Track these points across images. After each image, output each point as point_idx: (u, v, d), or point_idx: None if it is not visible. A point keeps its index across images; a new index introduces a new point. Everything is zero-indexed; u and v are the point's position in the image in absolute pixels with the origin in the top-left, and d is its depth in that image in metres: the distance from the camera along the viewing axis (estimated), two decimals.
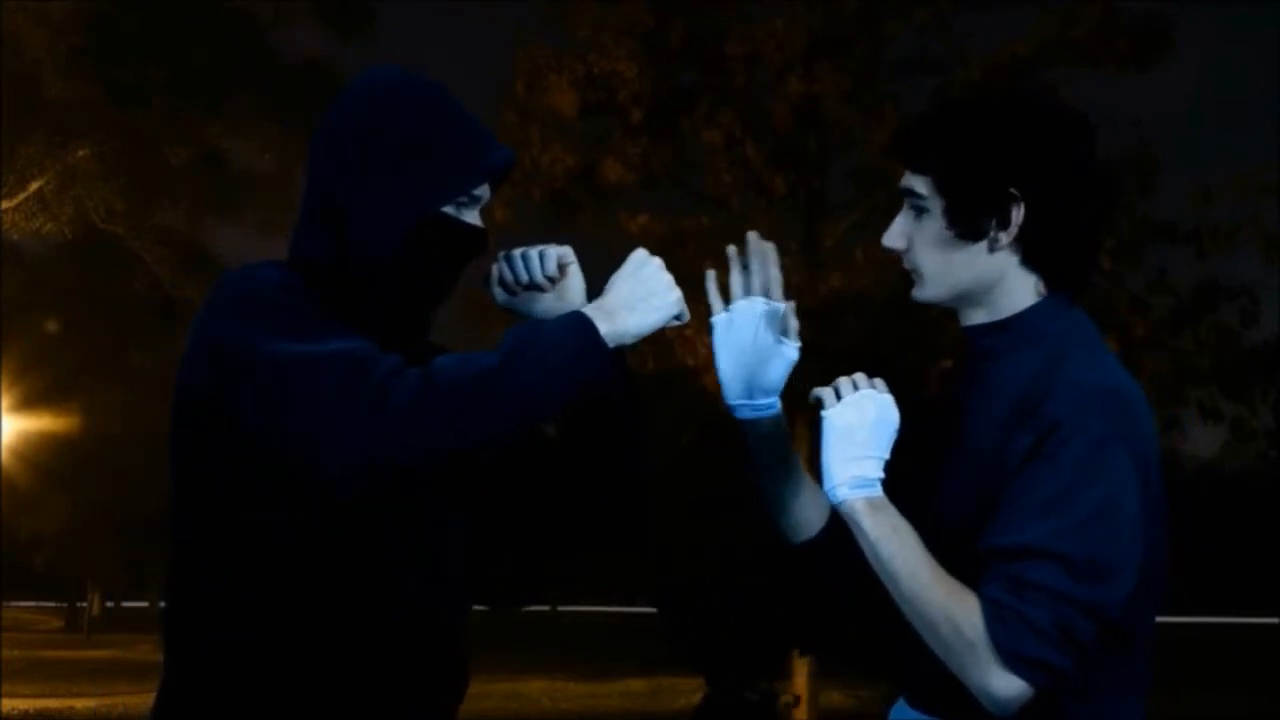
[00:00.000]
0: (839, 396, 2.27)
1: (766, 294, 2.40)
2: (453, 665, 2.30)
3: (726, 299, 2.42)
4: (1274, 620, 49.93)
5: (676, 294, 2.26)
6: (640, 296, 2.21)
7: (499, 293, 2.36)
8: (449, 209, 2.25)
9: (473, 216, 2.29)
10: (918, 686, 2.29)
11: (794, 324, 2.40)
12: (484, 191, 2.29)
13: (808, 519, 2.50)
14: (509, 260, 2.35)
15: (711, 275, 2.43)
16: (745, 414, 2.43)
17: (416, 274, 2.23)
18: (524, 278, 2.34)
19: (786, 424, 2.47)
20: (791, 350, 2.39)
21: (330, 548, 2.15)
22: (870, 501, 2.20)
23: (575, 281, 2.37)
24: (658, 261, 2.26)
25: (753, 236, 2.43)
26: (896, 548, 2.16)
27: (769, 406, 2.43)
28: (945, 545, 2.17)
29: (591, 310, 2.18)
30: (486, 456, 2.08)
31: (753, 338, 2.39)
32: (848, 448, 2.22)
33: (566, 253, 2.36)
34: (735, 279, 2.42)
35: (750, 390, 2.41)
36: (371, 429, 1.98)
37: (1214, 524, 48.05)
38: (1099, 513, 2.09)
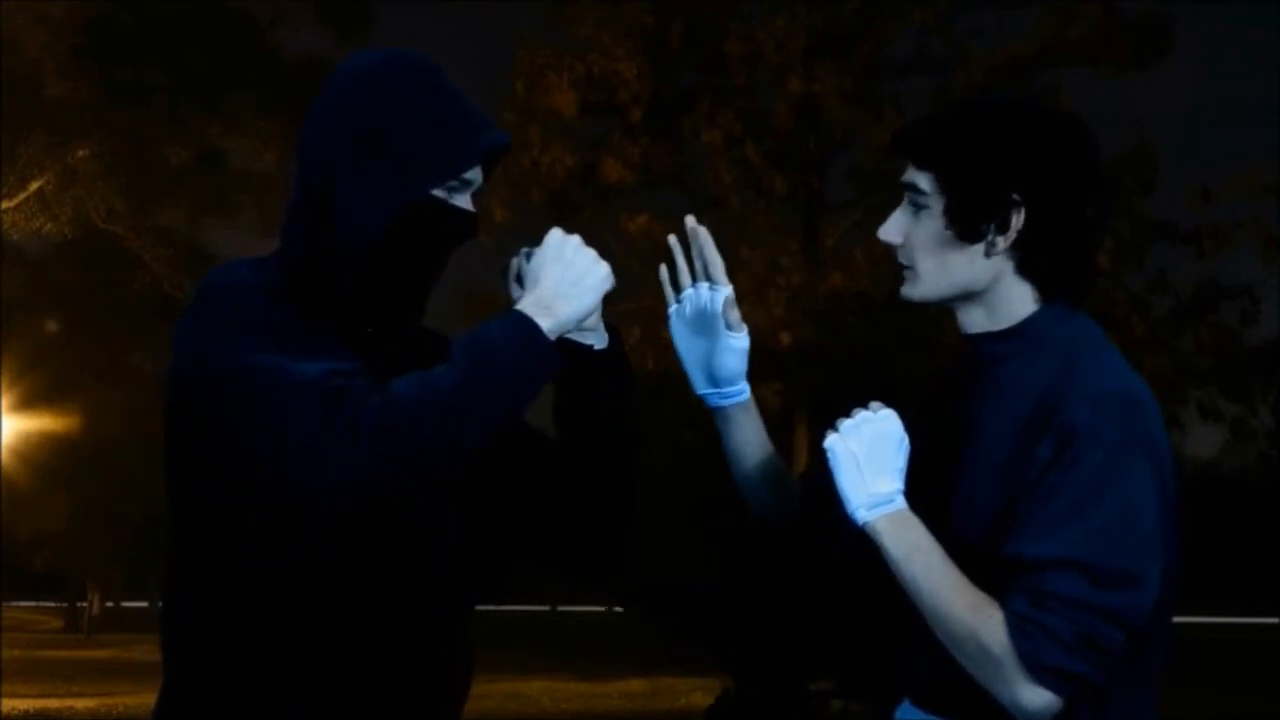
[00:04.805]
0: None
1: (709, 278, 2.44)
2: (454, 665, 2.29)
3: (678, 289, 2.47)
4: (1274, 620, 49.94)
5: (605, 268, 2.23)
6: (571, 281, 2.19)
7: (515, 289, 2.31)
8: (438, 193, 2.21)
9: (464, 200, 2.24)
10: (923, 687, 2.28)
11: (734, 315, 2.41)
12: (475, 175, 2.24)
13: (780, 503, 2.53)
14: (528, 258, 2.30)
15: (663, 269, 2.47)
16: (714, 401, 2.47)
17: (404, 260, 2.19)
18: None
19: (757, 410, 2.50)
20: (738, 341, 2.42)
21: (325, 549, 2.14)
22: (891, 519, 2.19)
23: None
24: (576, 239, 2.22)
25: (690, 221, 2.47)
26: (919, 567, 2.16)
27: (737, 393, 2.46)
28: (966, 555, 2.17)
29: (530, 307, 2.16)
30: (459, 469, 2.10)
31: (703, 329, 2.44)
32: (855, 470, 2.21)
33: None
34: (681, 267, 2.46)
35: (712, 379, 2.45)
36: (340, 462, 2.00)
37: (1214, 524, 48.03)
38: (1120, 519, 2.08)
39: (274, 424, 2.03)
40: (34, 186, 20.74)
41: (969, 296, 2.29)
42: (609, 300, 2.31)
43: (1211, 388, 19.20)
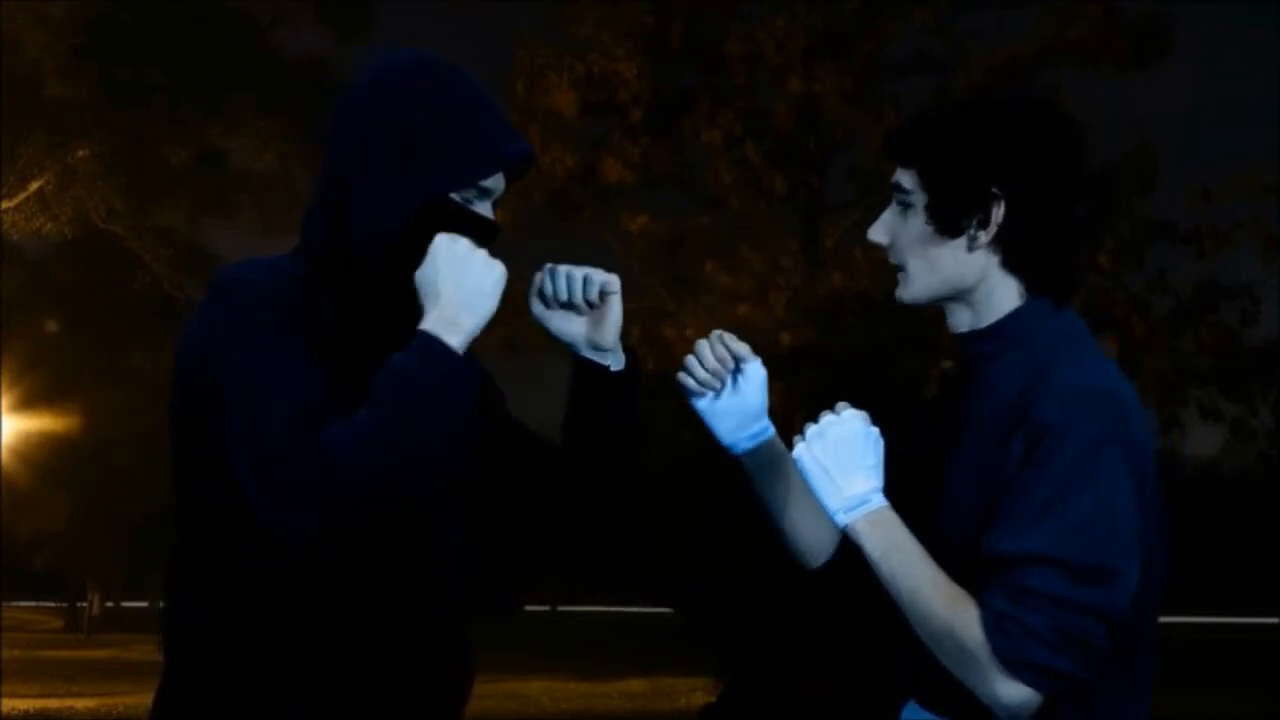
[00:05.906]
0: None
1: (737, 362, 2.41)
2: (455, 665, 2.30)
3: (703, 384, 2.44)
4: (1274, 620, 49.94)
5: (499, 269, 2.19)
6: (470, 290, 2.16)
7: (535, 304, 2.35)
8: (457, 197, 2.22)
9: (484, 208, 2.26)
10: (928, 688, 2.28)
11: (739, 346, 2.41)
12: (496, 183, 2.26)
13: (824, 541, 2.48)
14: (553, 275, 2.34)
15: (682, 376, 2.42)
16: (744, 446, 2.43)
17: (419, 259, 2.20)
18: (564, 295, 2.33)
19: (784, 446, 2.45)
20: (755, 367, 2.41)
21: (326, 549, 2.14)
22: (869, 518, 2.20)
23: (614, 312, 2.35)
24: (464, 243, 2.19)
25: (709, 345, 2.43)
26: (897, 565, 2.17)
27: (763, 431, 2.43)
28: (951, 553, 2.17)
29: (435, 327, 2.14)
30: (408, 495, 2.11)
31: (732, 403, 2.41)
32: (824, 477, 2.22)
33: (611, 281, 2.34)
34: (706, 378, 2.41)
35: (740, 422, 2.42)
36: (287, 515, 2.05)
37: (1214, 524, 48.07)
38: (1095, 515, 2.08)
39: (245, 438, 2.07)
40: (34, 186, 20.74)
41: (958, 296, 2.29)
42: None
43: (1211, 388, 19.18)
